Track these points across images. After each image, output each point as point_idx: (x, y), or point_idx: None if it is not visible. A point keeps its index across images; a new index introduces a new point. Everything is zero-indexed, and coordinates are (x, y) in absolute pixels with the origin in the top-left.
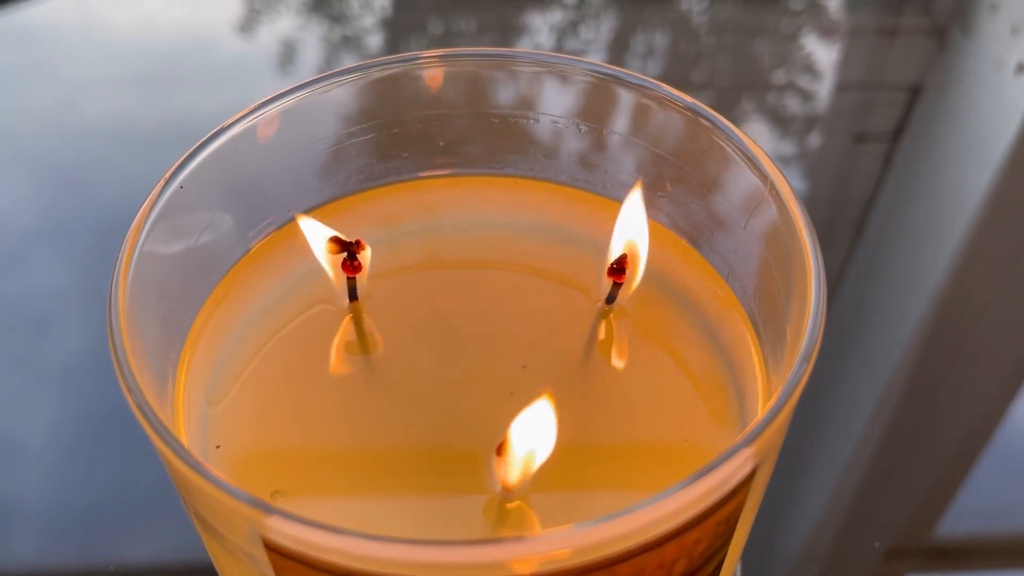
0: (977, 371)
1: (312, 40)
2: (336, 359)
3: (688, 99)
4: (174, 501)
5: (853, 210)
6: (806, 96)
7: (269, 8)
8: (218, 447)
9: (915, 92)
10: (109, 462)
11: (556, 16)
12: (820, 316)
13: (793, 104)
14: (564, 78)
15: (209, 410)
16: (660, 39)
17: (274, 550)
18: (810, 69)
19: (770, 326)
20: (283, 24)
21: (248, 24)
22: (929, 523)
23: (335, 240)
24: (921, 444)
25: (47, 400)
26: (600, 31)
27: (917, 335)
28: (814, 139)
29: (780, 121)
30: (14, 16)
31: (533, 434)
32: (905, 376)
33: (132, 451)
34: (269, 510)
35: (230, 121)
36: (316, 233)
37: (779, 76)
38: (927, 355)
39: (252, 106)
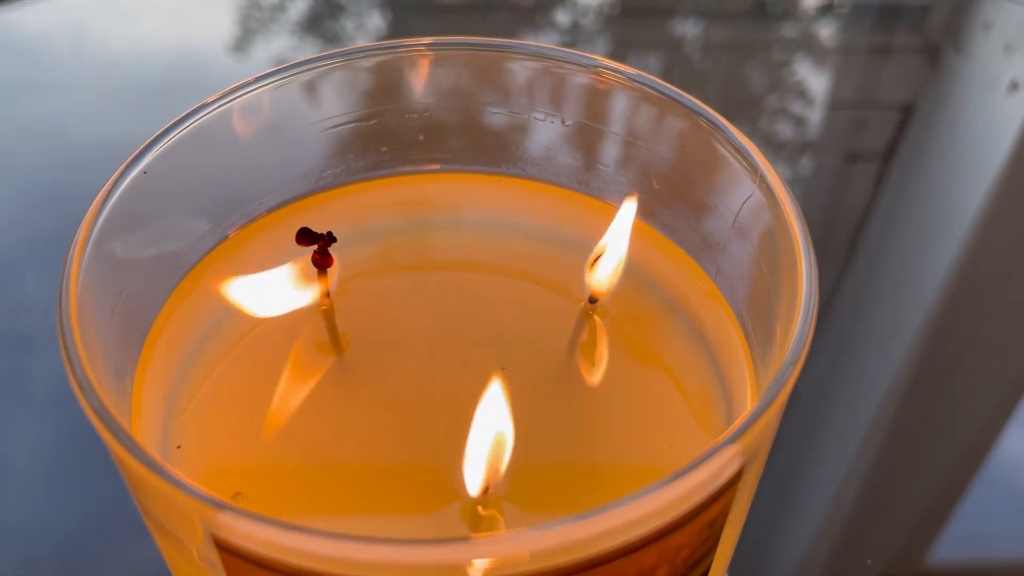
0: (971, 391)
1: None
2: (307, 363)
3: (676, 91)
4: None
5: (846, 230)
6: (798, 116)
7: (263, 28)
8: (179, 447)
9: (908, 111)
10: (90, 482)
11: (551, 38)
12: (813, 301)
13: (785, 124)
14: (550, 71)
15: (171, 419)
16: (654, 61)
17: (227, 550)
18: (802, 89)
19: (759, 327)
20: (277, 44)
21: (242, 44)
22: (921, 549)
23: (305, 232)
24: (913, 469)
25: (28, 418)
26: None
27: (911, 355)
28: (806, 159)
29: (772, 141)
30: (5, 29)
31: (491, 435)
32: (898, 397)
33: (114, 473)
34: (220, 506)
35: (196, 106)
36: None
37: (771, 96)
38: (921, 375)
39: (221, 92)
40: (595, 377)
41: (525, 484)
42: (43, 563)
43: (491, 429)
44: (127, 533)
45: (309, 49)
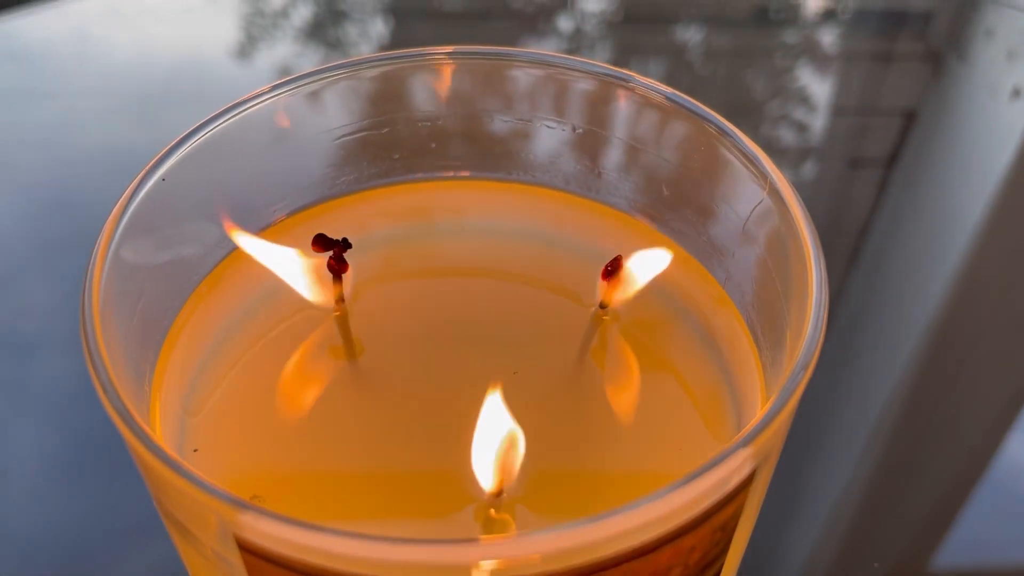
0: (976, 395)
1: (308, 67)
2: (321, 367)
3: (684, 97)
4: (158, 526)
5: (849, 236)
6: (801, 122)
7: (267, 35)
8: (196, 450)
9: (910, 117)
10: (94, 487)
11: (554, 45)
12: (823, 305)
13: (788, 130)
14: (560, 79)
15: (187, 419)
16: (656, 68)
17: (247, 550)
18: (805, 95)
19: (768, 332)
20: (280, 50)
21: (245, 51)
22: (926, 554)
23: (320, 239)
24: (918, 473)
25: (33, 424)
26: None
27: (914, 360)
28: (809, 165)
29: (775, 147)
30: (9, 36)
31: (501, 436)
32: (902, 401)
33: (119, 476)
34: (242, 506)
35: (212, 115)
36: (268, 253)
37: (774, 102)
38: (925, 380)
39: (235, 101)
40: (606, 383)
41: (537, 488)
42: (46, 568)
43: (500, 431)
44: (132, 538)
45: (312, 56)
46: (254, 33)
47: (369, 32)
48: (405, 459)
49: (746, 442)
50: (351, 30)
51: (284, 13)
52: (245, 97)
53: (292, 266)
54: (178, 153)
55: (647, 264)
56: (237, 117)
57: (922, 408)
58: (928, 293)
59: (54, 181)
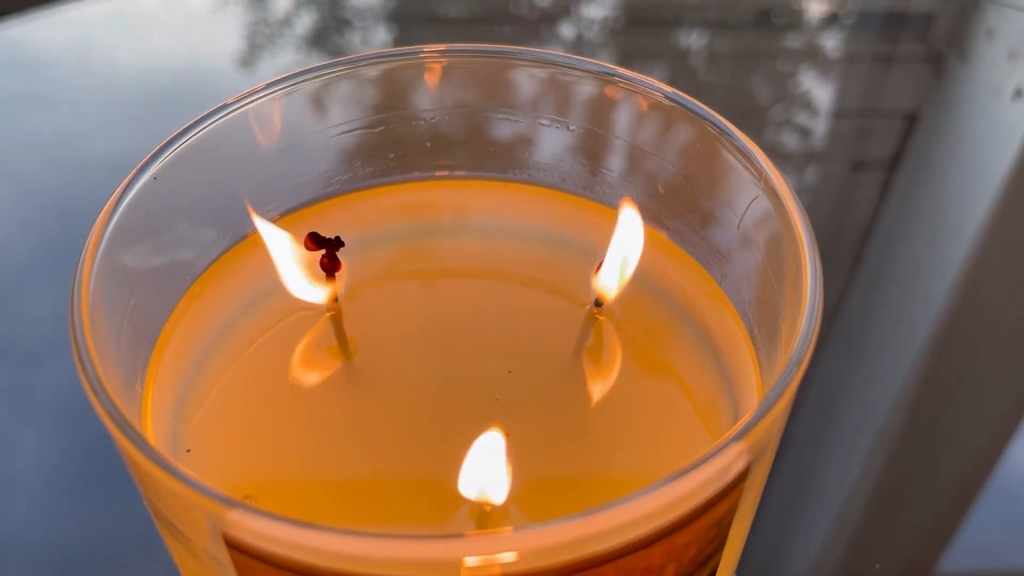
0: (979, 398)
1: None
2: (315, 367)
3: (680, 95)
4: (160, 535)
5: (851, 238)
6: (803, 125)
7: (270, 43)
8: (189, 451)
9: (912, 119)
10: (98, 496)
11: (556, 50)
12: (817, 299)
13: (790, 133)
14: (556, 78)
15: (179, 421)
16: (658, 72)
17: (236, 548)
18: (807, 98)
19: (764, 329)
20: (283, 59)
21: (248, 59)
22: (929, 558)
23: (313, 237)
24: (922, 477)
25: (34, 431)
26: None
27: (918, 363)
28: (812, 168)
29: (777, 150)
30: (12, 43)
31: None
32: (906, 404)
33: (122, 485)
34: (230, 503)
35: (205, 113)
36: (279, 242)
37: (777, 106)
38: (929, 383)
39: (229, 100)
40: (601, 381)
41: (531, 489)
42: None
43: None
44: (134, 546)
45: (315, 64)
46: (257, 41)
47: (372, 39)
48: (399, 461)
49: (739, 436)
50: (354, 37)
51: (287, 21)
52: (238, 96)
53: (291, 260)
54: (169, 152)
55: (626, 241)
56: (230, 116)
57: (926, 412)
58: (931, 296)
59: (57, 188)
